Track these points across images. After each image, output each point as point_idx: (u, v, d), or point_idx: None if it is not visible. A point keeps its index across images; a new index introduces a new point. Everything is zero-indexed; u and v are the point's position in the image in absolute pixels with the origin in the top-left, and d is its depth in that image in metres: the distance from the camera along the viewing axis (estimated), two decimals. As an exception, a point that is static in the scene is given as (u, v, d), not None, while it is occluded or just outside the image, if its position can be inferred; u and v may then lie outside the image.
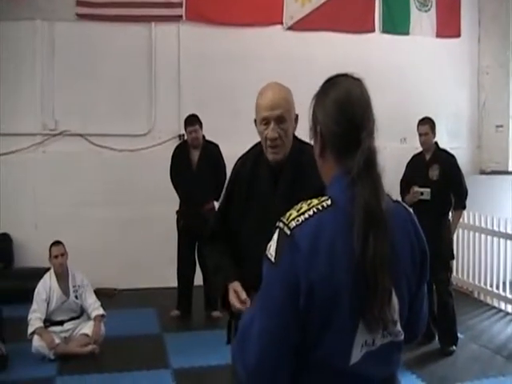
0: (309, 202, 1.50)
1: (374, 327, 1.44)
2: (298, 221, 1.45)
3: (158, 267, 6.94)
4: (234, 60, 7.55)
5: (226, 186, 2.69)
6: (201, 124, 6.09)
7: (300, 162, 2.46)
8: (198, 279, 6.22)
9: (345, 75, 1.68)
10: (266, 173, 2.50)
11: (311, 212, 1.46)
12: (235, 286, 2.42)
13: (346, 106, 1.57)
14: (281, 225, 1.47)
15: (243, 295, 2.36)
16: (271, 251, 1.46)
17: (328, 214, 1.46)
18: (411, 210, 1.65)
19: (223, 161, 6.18)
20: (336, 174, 1.55)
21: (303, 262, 1.41)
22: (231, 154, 6.28)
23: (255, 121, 2.51)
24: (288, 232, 1.44)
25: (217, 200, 6.16)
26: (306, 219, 1.45)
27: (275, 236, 1.47)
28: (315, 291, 1.41)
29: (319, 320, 1.43)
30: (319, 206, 1.47)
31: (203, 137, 6.18)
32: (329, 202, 1.48)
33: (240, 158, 2.70)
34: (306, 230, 1.43)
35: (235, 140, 7.08)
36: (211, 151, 6.19)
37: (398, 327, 1.52)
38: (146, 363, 4.95)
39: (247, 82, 7.53)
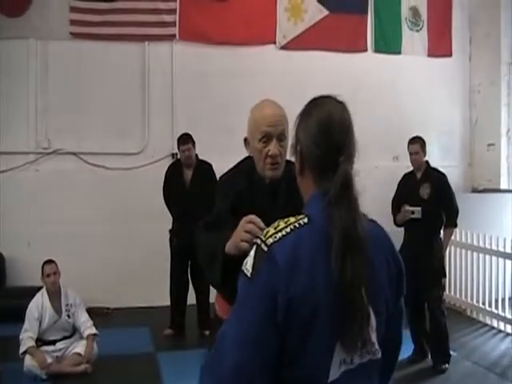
0: (286, 219, 1.51)
1: (352, 346, 1.45)
2: (275, 237, 1.47)
3: (151, 286, 6.92)
4: (227, 78, 7.60)
5: (222, 197, 2.63)
6: (194, 143, 6.11)
7: (293, 177, 2.48)
8: (191, 298, 6.22)
9: (328, 97, 1.71)
10: (263, 189, 2.50)
11: (288, 229, 1.48)
12: (250, 217, 2.04)
13: (326, 129, 1.60)
14: (258, 241, 1.49)
15: (262, 224, 1.97)
16: (247, 266, 1.47)
17: (305, 232, 1.48)
18: (387, 232, 1.69)
19: (216, 179, 6.17)
20: (314, 194, 1.59)
21: (281, 278, 1.42)
22: (223, 171, 6.38)
23: (246, 139, 2.52)
24: (265, 248, 1.46)
25: (210, 218, 6.18)
26: (283, 236, 1.47)
27: (252, 252, 1.49)
28: (293, 307, 1.41)
29: (297, 337, 1.43)
30: (296, 224, 1.49)
31: (196, 156, 6.21)
32: (306, 220, 1.50)
33: (226, 174, 2.69)
34: (283, 246, 1.45)
35: (229, 158, 7.04)
36: (204, 170, 6.20)
37: (376, 345, 1.54)
38: (139, 382, 4.93)
39: (240, 101, 7.56)
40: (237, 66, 7.64)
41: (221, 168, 6.16)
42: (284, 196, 2.45)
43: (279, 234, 1.47)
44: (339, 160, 1.56)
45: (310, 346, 1.43)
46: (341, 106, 1.69)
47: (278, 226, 1.50)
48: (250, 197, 2.49)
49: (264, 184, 2.48)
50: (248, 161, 2.55)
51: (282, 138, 2.40)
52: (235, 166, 2.68)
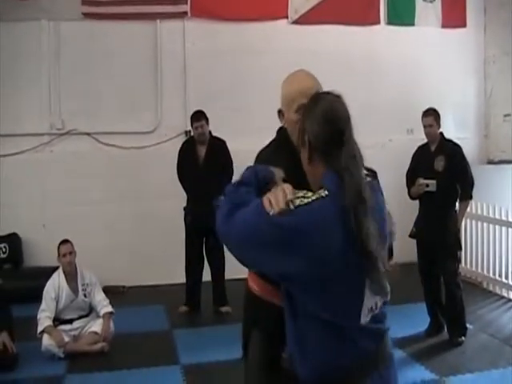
0: (310, 193, 1.81)
1: (377, 292, 1.84)
2: (302, 201, 1.75)
3: (166, 263, 6.97)
4: (239, 55, 7.56)
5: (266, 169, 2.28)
6: (207, 119, 6.09)
7: None
8: (206, 275, 6.25)
9: (327, 93, 2.03)
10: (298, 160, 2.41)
11: (314, 197, 1.77)
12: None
13: (330, 116, 1.89)
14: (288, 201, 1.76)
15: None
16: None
17: (326, 201, 1.77)
18: (378, 179, 2.15)
19: (230, 156, 6.19)
20: (326, 172, 1.86)
21: (300, 235, 1.72)
22: (238, 149, 6.39)
23: (280, 111, 2.51)
24: (292, 207, 1.73)
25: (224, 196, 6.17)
26: (309, 202, 1.76)
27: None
28: (322, 256, 1.74)
29: (315, 290, 1.78)
30: (318, 196, 1.79)
31: (210, 132, 6.18)
32: (326, 192, 1.79)
33: (265, 150, 2.64)
34: (308, 209, 1.74)
35: (242, 135, 7.15)
36: (218, 147, 6.19)
37: (388, 288, 1.90)
38: (155, 360, 4.96)
39: (253, 77, 7.57)
40: (249, 43, 7.59)
41: (234, 145, 6.26)
42: None
43: (306, 200, 1.76)
44: (344, 139, 1.86)
45: (339, 299, 1.80)
46: (339, 99, 1.97)
47: (307, 193, 1.80)
48: (293, 170, 2.34)
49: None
50: (283, 132, 2.54)
51: None
52: (273, 140, 2.67)
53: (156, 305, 6.49)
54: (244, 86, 7.56)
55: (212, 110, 6.44)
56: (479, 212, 6.87)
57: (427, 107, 5.57)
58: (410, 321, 5.62)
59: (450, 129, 7.12)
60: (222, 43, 7.55)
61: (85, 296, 5.33)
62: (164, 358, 5.04)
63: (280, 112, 2.50)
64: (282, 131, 2.55)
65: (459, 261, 5.45)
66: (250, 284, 2.52)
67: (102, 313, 5.30)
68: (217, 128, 6.30)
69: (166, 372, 4.78)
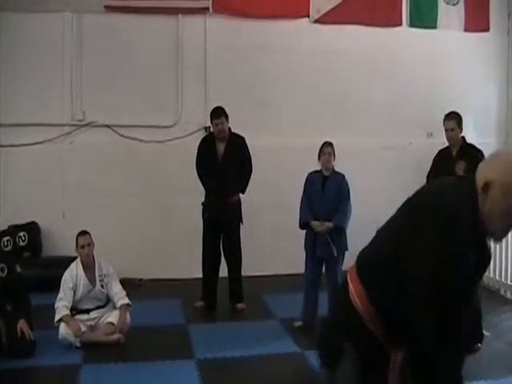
0: None
1: None
2: None
3: (184, 258, 6.99)
4: (260, 52, 7.56)
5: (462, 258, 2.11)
6: (227, 116, 6.11)
7: None
8: (223, 271, 6.27)
9: None
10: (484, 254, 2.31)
11: None
12: None
13: None
14: None
15: None
16: None
17: None
18: None
19: (249, 153, 6.22)
20: None
21: None
22: (257, 146, 6.41)
23: (489, 184, 2.06)
24: None
25: (242, 192, 6.21)
26: None
27: None
28: None
29: None
30: None
31: (229, 129, 6.20)
32: None
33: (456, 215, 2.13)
34: None
35: (261, 132, 7.19)
36: (237, 143, 6.20)
37: None
38: (170, 353, 4.99)
39: (274, 75, 7.59)
40: (270, 40, 7.59)
41: (253, 142, 6.27)
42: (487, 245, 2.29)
43: None
44: None
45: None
46: None
47: None
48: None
49: (484, 245, 2.22)
50: (471, 202, 2.10)
51: None
52: (461, 205, 2.11)
53: (172, 299, 6.52)
54: (264, 83, 7.57)
55: (232, 106, 6.44)
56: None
57: (449, 111, 5.56)
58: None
59: (470, 133, 7.08)
60: (243, 40, 7.55)
61: (102, 287, 5.36)
62: (179, 352, 5.06)
63: (488, 185, 2.06)
64: (469, 199, 2.11)
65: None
66: (352, 295, 2.27)
67: (118, 304, 5.34)
68: (237, 124, 6.31)
69: (180, 366, 4.80)
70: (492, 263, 6.92)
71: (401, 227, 2.19)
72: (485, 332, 5.29)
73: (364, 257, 2.36)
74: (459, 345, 2.13)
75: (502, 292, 6.83)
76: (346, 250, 5.60)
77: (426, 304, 2.04)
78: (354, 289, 2.27)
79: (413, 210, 2.18)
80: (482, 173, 2.10)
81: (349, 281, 2.31)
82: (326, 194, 5.59)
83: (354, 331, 2.24)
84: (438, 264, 2.01)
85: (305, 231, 5.67)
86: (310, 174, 5.74)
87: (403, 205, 2.27)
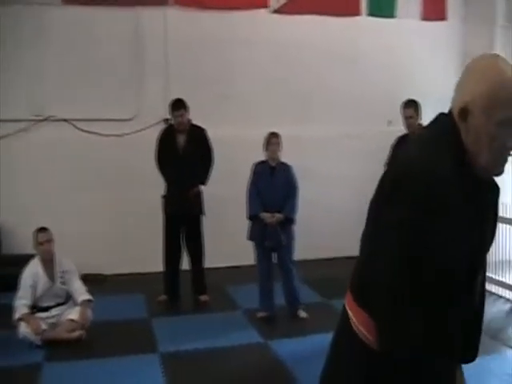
0: None
1: None
2: None
3: (146, 252, 6.92)
4: (220, 44, 7.52)
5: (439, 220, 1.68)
6: (187, 108, 6.08)
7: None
8: (185, 263, 6.26)
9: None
10: (477, 194, 1.78)
11: None
12: None
13: None
14: None
15: None
16: None
17: None
18: None
19: (210, 145, 6.22)
20: None
21: None
22: (219, 138, 6.38)
23: (465, 109, 1.71)
24: None
25: (203, 184, 6.20)
26: None
27: None
28: None
29: None
30: None
31: (189, 121, 6.17)
32: None
33: (426, 165, 1.70)
34: None
35: (223, 124, 7.16)
36: (198, 135, 6.20)
37: None
38: (133, 348, 4.96)
39: (235, 66, 7.57)
40: (231, 31, 7.55)
41: (214, 135, 6.24)
42: (489, 193, 1.87)
43: None
44: None
45: None
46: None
47: None
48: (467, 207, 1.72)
49: (475, 182, 1.76)
50: (454, 140, 1.74)
51: None
52: (433, 148, 1.74)
53: (135, 293, 6.47)
54: (225, 74, 7.55)
55: (193, 98, 6.41)
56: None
57: (407, 99, 5.61)
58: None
59: (429, 121, 7.16)
60: (203, 32, 7.49)
61: (62, 283, 5.30)
62: (142, 346, 5.03)
63: (464, 111, 1.71)
64: (453, 140, 1.74)
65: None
66: (357, 328, 1.84)
67: (79, 300, 5.28)
68: (198, 116, 6.28)
69: (144, 360, 4.77)
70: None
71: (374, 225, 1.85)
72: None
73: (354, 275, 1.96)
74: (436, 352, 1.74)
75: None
76: (293, 239, 5.70)
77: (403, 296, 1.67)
78: (357, 319, 1.85)
79: (379, 201, 1.80)
80: (456, 99, 1.76)
81: (351, 313, 1.89)
82: (274, 185, 5.63)
83: (375, 373, 1.78)
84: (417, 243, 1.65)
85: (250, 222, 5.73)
86: (257, 164, 5.76)
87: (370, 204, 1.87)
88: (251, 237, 5.69)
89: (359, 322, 1.82)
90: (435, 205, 1.63)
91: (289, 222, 5.60)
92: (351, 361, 1.87)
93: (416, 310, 1.67)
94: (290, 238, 5.65)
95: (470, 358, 2.00)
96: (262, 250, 5.65)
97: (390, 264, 1.68)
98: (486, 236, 1.85)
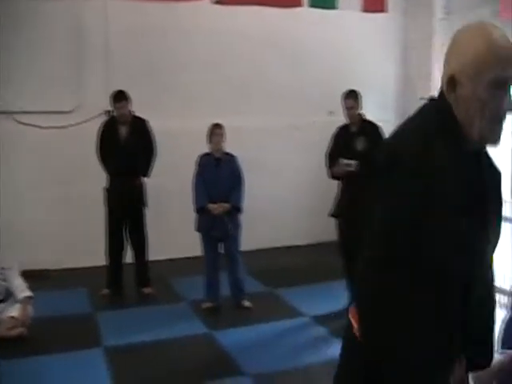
0: None
1: None
2: None
3: (88, 246, 6.83)
4: (162, 34, 7.44)
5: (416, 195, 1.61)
6: (128, 99, 6.03)
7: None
8: (129, 256, 6.22)
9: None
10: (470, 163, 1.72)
11: None
12: None
13: None
14: None
15: None
16: None
17: None
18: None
19: (152, 136, 6.20)
20: None
21: None
22: (161, 129, 6.34)
23: (453, 78, 1.66)
24: None
25: (146, 176, 6.15)
26: None
27: None
28: None
29: None
30: None
31: (131, 112, 6.12)
32: None
33: (412, 147, 1.64)
34: None
35: (165, 115, 7.11)
36: (140, 126, 6.16)
37: None
38: (77, 343, 4.89)
39: (177, 57, 7.51)
40: (172, 22, 7.46)
41: (157, 126, 6.20)
42: (487, 169, 1.79)
43: None
44: None
45: None
46: None
47: None
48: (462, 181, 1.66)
49: (469, 153, 1.71)
50: (446, 113, 1.69)
51: None
52: (421, 133, 1.68)
53: (78, 288, 6.36)
54: (168, 65, 7.48)
55: (135, 89, 6.36)
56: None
57: (348, 89, 5.68)
58: (331, 298, 5.80)
59: (371, 111, 7.26)
60: (145, 22, 7.37)
61: (2, 280, 5.20)
62: (86, 341, 4.98)
63: (453, 79, 1.66)
64: (445, 114, 1.69)
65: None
66: (356, 329, 1.81)
67: (19, 297, 5.17)
68: (140, 107, 6.24)
69: (88, 355, 4.72)
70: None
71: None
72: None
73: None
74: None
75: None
76: (240, 227, 5.76)
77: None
78: (353, 317, 1.83)
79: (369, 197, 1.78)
80: (444, 73, 1.71)
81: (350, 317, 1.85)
82: (219, 176, 5.67)
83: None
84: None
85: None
86: (202, 156, 5.78)
87: None
88: (199, 228, 5.72)
89: (355, 320, 1.80)
90: (427, 199, 1.58)
91: (236, 210, 5.65)
92: (351, 363, 1.88)
93: (402, 305, 1.61)
94: (236, 227, 5.71)
95: (484, 362, 1.88)
96: (209, 241, 5.68)
97: (378, 255, 1.68)
98: (488, 228, 1.73)
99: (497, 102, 1.61)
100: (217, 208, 5.56)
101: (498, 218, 1.79)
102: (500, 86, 1.60)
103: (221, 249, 5.76)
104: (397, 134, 1.75)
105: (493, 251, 1.79)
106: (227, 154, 5.75)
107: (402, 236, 1.61)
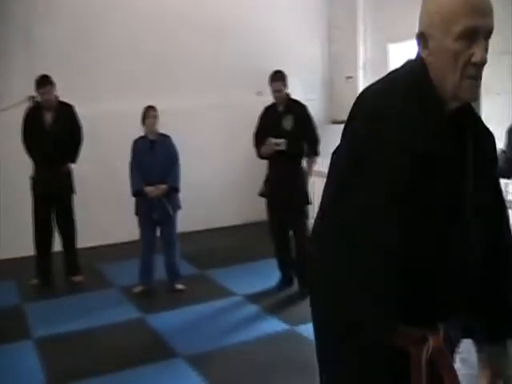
0: None
1: None
2: None
3: (15, 236, 6.66)
4: (83, 17, 7.29)
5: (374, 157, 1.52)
6: (53, 84, 5.87)
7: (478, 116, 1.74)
8: (57, 245, 6.08)
9: None
10: (441, 125, 1.58)
11: None
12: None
13: None
14: None
15: None
16: None
17: None
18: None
19: (79, 122, 6.08)
20: None
21: None
22: (88, 114, 6.20)
23: (423, 34, 1.57)
24: None
25: (73, 162, 6.02)
26: None
27: None
28: None
29: None
30: None
31: (56, 98, 5.97)
32: None
33: (388, 93, 1.58)
34: None
35: (92, 99, 6.97)
36: (65, 112, 6.02)
37: None
38: (5, 337, 4.77)
39: (99, 39, 7.37)
40: (91, 4, 7.32)
41: (83, 111, 6.06)
42: (471, 142, 1.64)
43: None
44: None
45: None
46: None
47: None
48: (425, 143, 1.54)
49: (442, 114, 1.59)
50: (419, 69, 1.59)
51: (487, 37, 1.55)
52: (389, 81, 1.64)
53: (7, 280, 6.20)
54: (90, 48, 7.31)
55: (61, 74, 6.22)
56: (325, 170, 7.15)
57: (274, 70, 5.69)
58: (262, 277, 5.89)
59: (297, 91, 7.35)
60: (65, 4, 7.21)
61: None
62: (15, 333, 4.87)
63: (422, 36, 1.58)
64: (417, 67, 1.60)
65: (308, 216, 5.71)
66: None
67: None
68: (66, 92, 6.09)
69: (18, 348, 4.62)
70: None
71: None
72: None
73: None
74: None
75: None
76: (180, 208, 5.76)
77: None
78: None
79: None
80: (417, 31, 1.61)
81: None
82: (155, 158, 5.64)
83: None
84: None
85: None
86: (136, 140, 5.75)
87: None
88: (137, 212, 5.70)
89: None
90: (372, 143, 1.51)
91: (174, 190, 5.67)
92: None
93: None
94: (176, 208, 5.72)
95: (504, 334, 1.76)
96: (147, 224, 5.66)
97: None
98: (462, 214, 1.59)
99: (469, 54, 1.50)
100: (153, 190, 5.55)
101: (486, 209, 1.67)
102: (470, 35, 1.49)
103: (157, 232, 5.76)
104: (370, 87, 1.66)
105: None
106: (162, 134, 5.75)
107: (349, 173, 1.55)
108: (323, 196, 1.63)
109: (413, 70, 1.59)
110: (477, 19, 1.48)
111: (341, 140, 1.62)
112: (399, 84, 1.58)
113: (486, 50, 1.52)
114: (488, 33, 1.51)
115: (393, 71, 1.66)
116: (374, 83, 1.63)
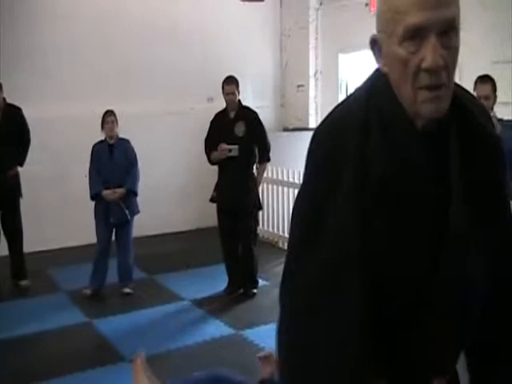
0: None
1: None
2: None
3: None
4: (38, 18, 7.21)
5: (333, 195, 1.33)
6: (0, 86, 5.78)
7: (470, 121, 1.38)
8: (3, 249, 5.99)
9: None
10: (416, 145, 1.32)
11: None
12: None
13: None
14: None
15: None
16: None
17: None
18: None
19: (27, 124, 5.99)
20: None
21: None
22: (38, 117, 6.14)
23: (375, 41, 1.33)
24: None
25: (21, 165, 5.95)
26: None
27: None
28: None
29: None
30: None
31: (4, 99, 5.88)
32: None
33: (329, 122, 1.42)
34: None
35: (42, 102, 6.89)
36: (13, 114, 5.93)
37: None
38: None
39: (53, 42, 7.29)
40: (49, 5, 7.28)
41: (33, 113, 6.00)
42: (457, 159, 1.32)
43: None
44: None
45: None
46: None
47: None
48: (392, 168, 1.31)
49: (414, 132, 1.32)
50: (376, 81, 1.37)
51: (448, 31, 1.24)
52: (345, 100, 1.44)
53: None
54: (44, 50, 7.24)
55: (9, 75, 6.21)
56: (275, 176, 7.28)
57: (227, 76, 5.77)
58: (211, 282, 5.95)
59: (249, 98, 7.47)
60: (21, 5, 7.10)
61: None
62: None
63: (375, 42, 1.34)
64: (378, 79, 1.36)
65: (257, 221, 5.79)
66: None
67: None
68: (14, 94, 6.03)
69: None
70: (271, 218, 7.41)
71: None
72: (264, 282, 5.71)
73: None
74: None
75: (281, 244, 7.26)
76: (138, 212, 5.81)
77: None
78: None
79: None
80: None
81: None
82: (114, 162, 5.69)
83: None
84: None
85: (94, 202, 5.71)
86: (95, 144, 5.79)
87: None
88: (95, 215, 5.71)
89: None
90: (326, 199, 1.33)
91: (132, 194, 5.70)
92: None
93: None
94: (133, 212, 5.74)
95: None
96: (104, 227, 5.67)
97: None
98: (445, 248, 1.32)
99: (418, 59, 1.22)
100: (110, 194, 5.56)
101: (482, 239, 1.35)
102: (417, 35, 1.21)
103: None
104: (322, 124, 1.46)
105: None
106: (121, 139, 5.79)
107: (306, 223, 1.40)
108: (290, 235, 1.48)
109: (368, 87, 1.36)
110: (423, 13, 1.19)
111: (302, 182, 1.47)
112: (354, 110, 1.33)
113: (449, 47, 1.23)
114: (445, 26, 1.21)
115: (351, 94, 1.43)
116: (328, 115, 1.42)
